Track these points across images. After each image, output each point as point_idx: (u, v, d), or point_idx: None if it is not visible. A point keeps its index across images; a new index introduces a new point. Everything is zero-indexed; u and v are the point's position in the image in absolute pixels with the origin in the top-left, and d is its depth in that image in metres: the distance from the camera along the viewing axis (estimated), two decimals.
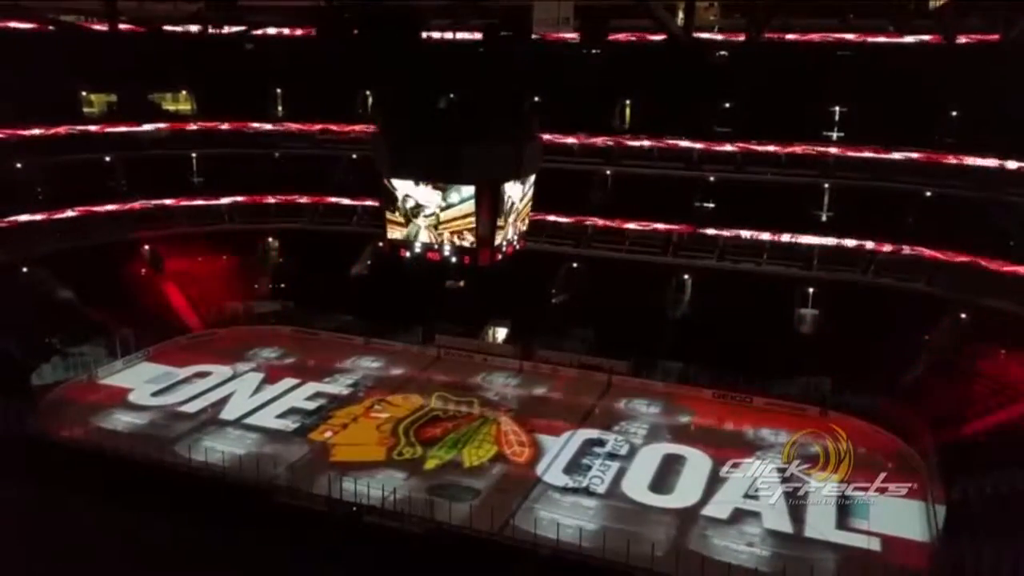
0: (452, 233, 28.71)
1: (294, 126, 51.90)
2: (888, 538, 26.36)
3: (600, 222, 47.02)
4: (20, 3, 39.41)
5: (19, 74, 41.73)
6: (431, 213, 28.66)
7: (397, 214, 29.53)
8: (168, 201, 48.66)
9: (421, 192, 28.57)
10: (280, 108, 53.32)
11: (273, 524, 26.20)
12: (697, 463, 31.48)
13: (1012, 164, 37.87)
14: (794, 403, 36.10)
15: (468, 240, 28.66)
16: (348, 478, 28.58)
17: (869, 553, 25.69)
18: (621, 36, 43.29)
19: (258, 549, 24.88)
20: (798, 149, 43.57)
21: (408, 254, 29.93)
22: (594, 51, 46.69)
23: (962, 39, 37.71)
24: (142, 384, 37.56)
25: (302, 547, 25.29)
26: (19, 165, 44.32)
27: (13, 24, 42.25)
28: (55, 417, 33.63)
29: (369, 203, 47.57)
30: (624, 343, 40.23)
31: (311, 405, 36.30)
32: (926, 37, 39.51)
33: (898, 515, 27.44)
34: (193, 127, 50.68)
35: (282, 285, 48.51)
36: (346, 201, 50.95)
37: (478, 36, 41.73)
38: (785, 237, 43.37)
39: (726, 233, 44.62)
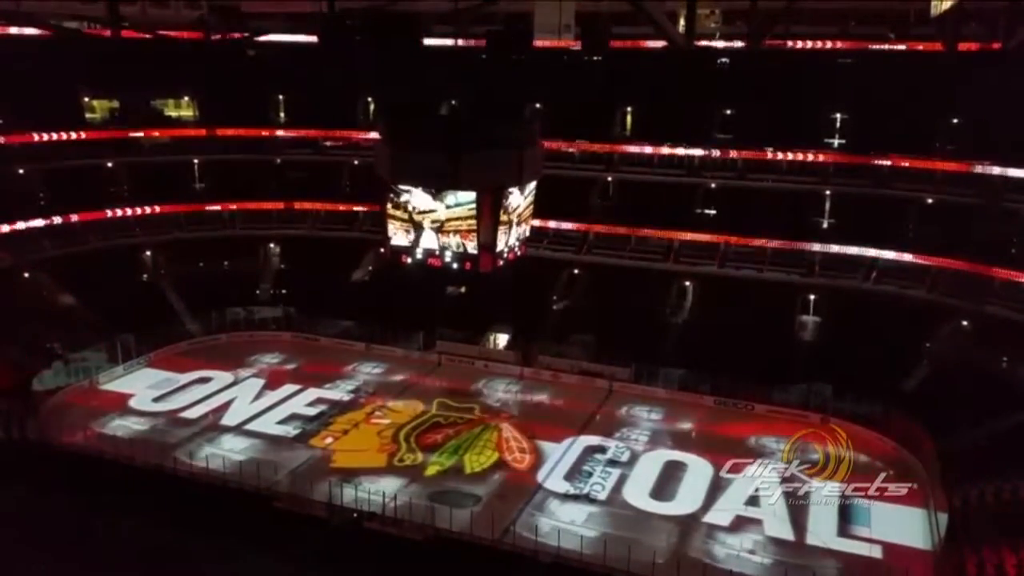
0: (455, 233, 28.61)
1: (296, 132, 52.03)
2: (890, 545, 26.31)
3: (601, 228, 47.11)
4: (23, 9, 39.56)
5: (22, 80, 41.89)
6: (432, 212, 28.53)
7: (399, 218, 29.49)
8: (170, 207, 48.79)
9: (419, 196, 28.50)
10: (282, 114, 53.52)
11: (273, 530, 26.20)
12: (698, 470, 31.44)
13: (1013, 171, 37.91)
14: (795, 410, 36.04)
15: (470, 245, 28.62)
16: (349, 484, 28.54)
17: (871, 560, 25.63)
18: (624, 43, 43.38)
19: (258, 555, 24.85)
20: (799, 156, 43.69)
21: (409, 260, 29.87)
22: (596, 58, 46.76)
23: (963, 47, 37.77)
24: (143, 390, 37.54)
25: (302, 553, 25.24)
26: (21, 171, 44.45)
27: (16, 30, 42.39)
28: (56, 423, 33.55)
29: (371, 209, 47.65)
30: (625, 349, 40.15)
31: (312, 411, 36.25)
32: (927, 45, 39.59)
33: (900, 522, 27.43)
34: (195, 133, 50.81)
35: (283, 291, 48.54)
36: (348, 207, 51.04)
37: (480, 43, 41.83)
38: (786, 244, 43.40)
39: (727, 239, 44.63)
